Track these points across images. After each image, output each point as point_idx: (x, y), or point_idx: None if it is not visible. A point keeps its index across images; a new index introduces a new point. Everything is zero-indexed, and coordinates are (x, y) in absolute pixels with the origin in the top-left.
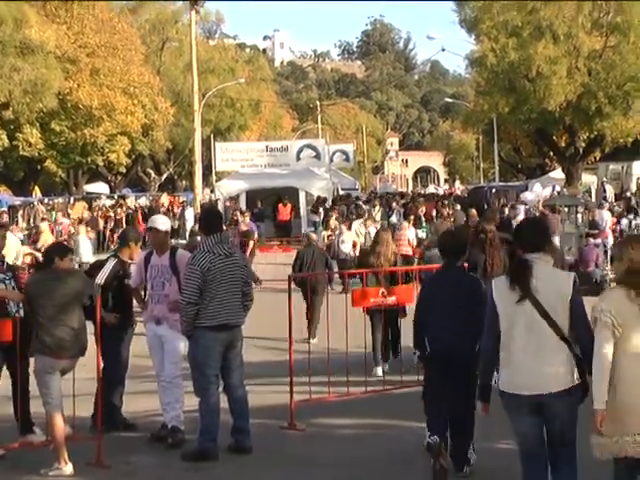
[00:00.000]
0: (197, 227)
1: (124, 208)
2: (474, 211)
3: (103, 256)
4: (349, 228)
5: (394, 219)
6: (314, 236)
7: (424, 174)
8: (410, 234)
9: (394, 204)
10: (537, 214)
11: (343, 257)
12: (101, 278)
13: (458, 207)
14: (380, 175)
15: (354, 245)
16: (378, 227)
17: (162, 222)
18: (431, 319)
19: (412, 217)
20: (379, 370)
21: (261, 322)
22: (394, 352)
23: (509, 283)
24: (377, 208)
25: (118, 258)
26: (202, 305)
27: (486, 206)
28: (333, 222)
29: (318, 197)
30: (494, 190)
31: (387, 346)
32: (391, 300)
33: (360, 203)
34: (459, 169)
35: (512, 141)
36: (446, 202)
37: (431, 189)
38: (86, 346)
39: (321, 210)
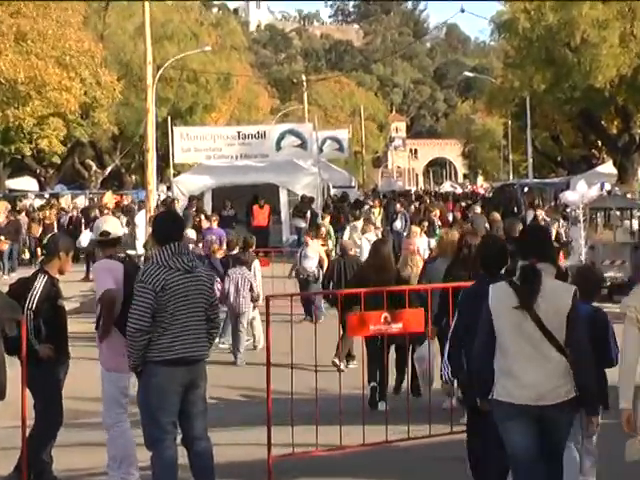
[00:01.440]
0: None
1: (56, 209)
2: (497, 215)
3: (29, 271)
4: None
5: (398, 225)
6: (349, 243)
7: (438, 168)
8: (421, 243)
9: (398, 206)
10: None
11: (305, 276)
12: (32, 301)
13: (478, 210)
14: (382, 169)
15: (320, 262)
16: (379, 234)
17: (115, 225)
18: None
19: (426, 223)
20: (382, 404)
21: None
22: (413, 391)
23: (515, 290)
24: (377, 210)
25: (47, 274)
26: (155, 333)
27: (516, 209)
28: (326, 227)
29: (303, 197)
30: (526, 189)
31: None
32: (396, 327)
33: (362, 199)
34: (482, 162)
35: (550, 127)
36: (469, 203)
37: (446, 187)
38: (5, 387)
39: (308, 214)
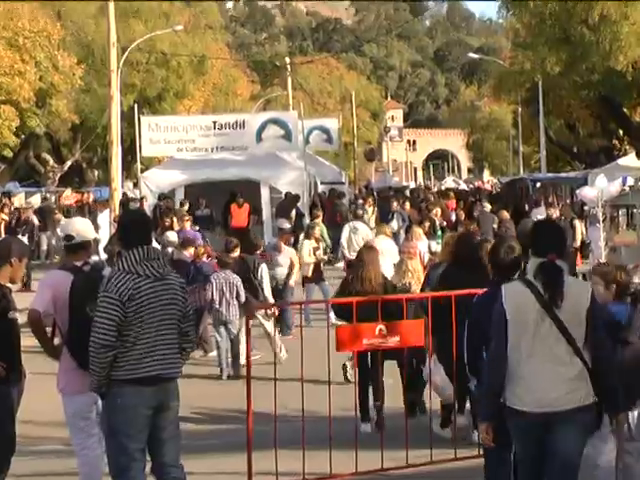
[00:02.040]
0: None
1: (8, 209)
2: (505, 214)
3: None
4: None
5: (394, 225)
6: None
7: (439, 161)
8: (422, 246)
9: (394, 204)
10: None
11: (273, 285)
12: None
13: (487, 207)
14: (376, 163)
15: (291, 266)
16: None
17: (83, 228)
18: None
19: (427, 223)
20: (367, 427)
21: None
22: (411, 411)
23: (532, 289)
24: (371, 210)
25: None
26: (121, 349)
27: (527, 207)
28: (320, 227)
29: (287, 194)
30: (538, 184)
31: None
32: (393, 341)
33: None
34: (489, 154)
35: (565, 115)
36: (472, 201)
37: (449, 182)
38: None
39: (292, 213)
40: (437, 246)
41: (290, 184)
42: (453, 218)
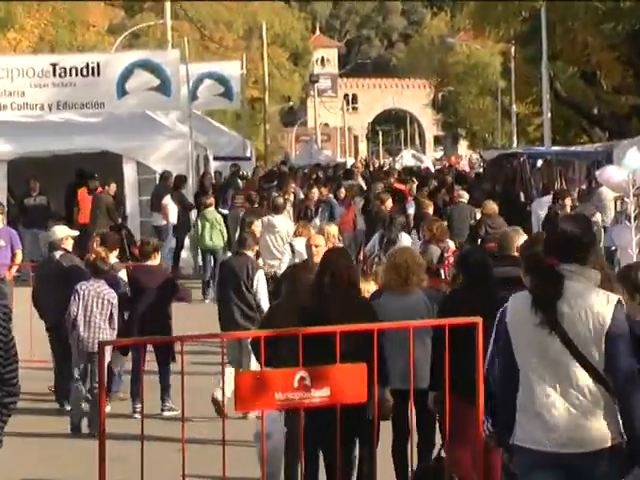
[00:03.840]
0: None
1: None
2: (491, 204)
3: None
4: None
5: (318, 222)
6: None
7: (391, 127)
8: None
9: (314, 192)
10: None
11: None
12: None
13: (464, 196)
14: (298, 129)
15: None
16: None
17: None
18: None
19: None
20: None
21: None
22: None
23: (530, 303)
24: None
25: None
26: None
27: (522, 195)
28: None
29: (165, 175)
30: (540, 162)
31: None
32: (320, 395)
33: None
34: (466, 117)
35: (580, 59)
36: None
37: (407, 159)
38: None
39: (169, 205)
40: (377, 250)
41: (168, 159)
42: (411, 211)
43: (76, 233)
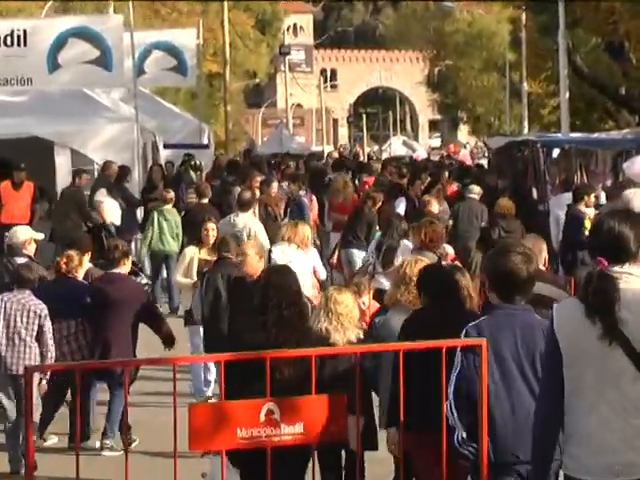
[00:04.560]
0: None
1: None
2: (506, 202)
3: None
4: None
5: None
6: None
7: (378, 109)
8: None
9: (274, 187)
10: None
11: None
12: None
13: (474, 190)
14: (265, 111)
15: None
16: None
17: None
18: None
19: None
20: None
21: None
22: None
23: (586, 311)
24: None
25: None
26: None
27: (535, 192)
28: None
29: (106, 166)
30: (556, 151)
31: None
32: (292, 432)
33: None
34: (467, 97)
35: (604, 28)
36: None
37: (396, 147)
38: None
39: (105, 203)
40: (372, 258)
41: (109, 147)
42: (401, 210)
43: (41, 236)
